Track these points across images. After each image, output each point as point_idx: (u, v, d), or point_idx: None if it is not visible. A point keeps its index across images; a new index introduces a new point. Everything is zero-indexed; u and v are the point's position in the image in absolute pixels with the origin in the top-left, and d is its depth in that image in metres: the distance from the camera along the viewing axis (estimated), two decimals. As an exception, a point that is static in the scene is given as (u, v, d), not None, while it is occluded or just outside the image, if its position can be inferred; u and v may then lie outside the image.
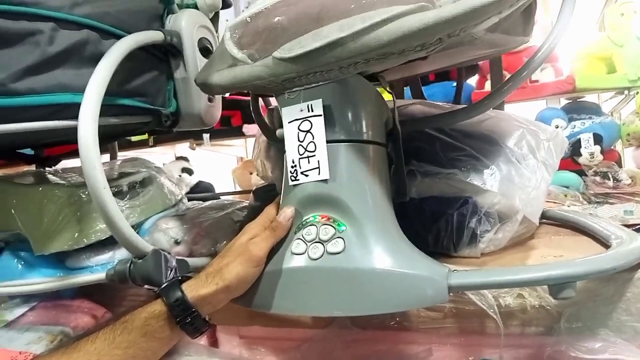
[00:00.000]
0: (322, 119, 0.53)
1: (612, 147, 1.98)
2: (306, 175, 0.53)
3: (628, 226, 1.47)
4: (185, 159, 2.43)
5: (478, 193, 0.58)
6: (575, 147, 1.90)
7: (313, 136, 0.53)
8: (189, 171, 2.36)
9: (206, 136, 2.16)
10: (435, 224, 0.61)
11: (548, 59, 2.04)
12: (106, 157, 1.06)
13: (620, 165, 1.98)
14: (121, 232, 0.53)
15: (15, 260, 0.71)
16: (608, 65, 1.94)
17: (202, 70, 0.62)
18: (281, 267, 0.52)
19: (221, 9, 0.90)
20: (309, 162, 0.53)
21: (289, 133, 0.55)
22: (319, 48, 0.47)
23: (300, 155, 0.54)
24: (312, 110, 0.53)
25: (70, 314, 0.69)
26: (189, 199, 0.96)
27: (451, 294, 0.49)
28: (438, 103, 0.68)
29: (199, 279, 0.51)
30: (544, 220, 0.79)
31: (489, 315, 0.54)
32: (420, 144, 0.62)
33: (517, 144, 0.59)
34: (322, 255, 0.50)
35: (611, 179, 1.72)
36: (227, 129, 2.20)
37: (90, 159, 0.50)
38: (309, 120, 0.53)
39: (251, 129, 2.12)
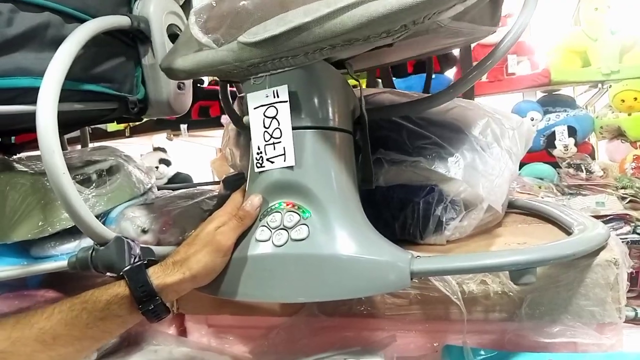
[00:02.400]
0: (287, 105, 0.52)
1: (586, 140, 2.01)
2: (272, 162, 0.53)
3: (599, 217, 1.51)
4: (162, 150, 2.40)
5: (443, 181, 0.58)
6: (549, 140, 1.93)
7: (278, 122, 0.53)
8: (167, 162, 2.33)
9: (184, 127, 2.14)
10: (402, 211, 0.62)
11: (524, 51, 2.06)
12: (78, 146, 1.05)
13: (593, 158, 2.02)
14: (82, 219, 0.52)
15: (-23, 249, 0.69)
16: (583, 59, 1.96)
17: (167, 55, 0.61)
18: (246, 254, 0.52)
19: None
20: (274, 149, 0.53)
21: (255, 119, 0.54)
22: (283, 33, 0.47)
23: (266, 141, 0.53)
24: (278, 96, 0.53)
25: (34, 303, 0.67)
26: (164, 189, 0.96)
27: (414, 279, 0.50)
28: (406, 92, 0.68)
29: (165, 265, 0.50)
30: (513, 210, 0.80)
31: (453, 302, 0.55)
32: (388, 132, 0.63)
33: (482, 133, 0.60)
34: (286, 242, 0.50)
35: (584, 171, 1.75)
36: (205, 120, 2.18)
37: (49, 144, 0.49)
38: (274, 107, 0.53)
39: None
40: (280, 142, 0.53)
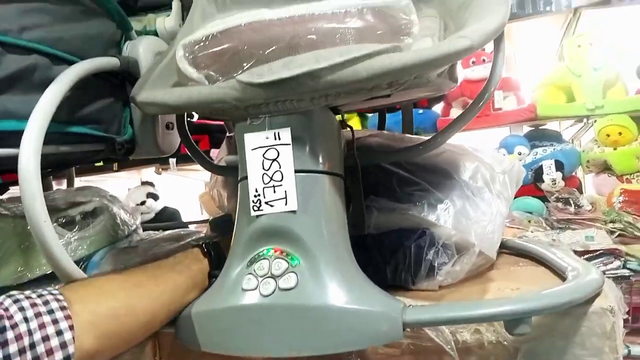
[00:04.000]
0: (290, 148, 0.52)
1: (573, 174, 2.03)
2: (271, 206, 0.52)
3: (589, 252, 1.51)
4: (150, 184, 2.38)
5: (435, 226, 0.58)
6: (537, 174, 1.94)
7: (280, 165, 0.52)
8: (155, 196, 2.31)
9: (172, 161, 2.12)
10: (393, 256, 0.61)
11: (510, 87, 2.10)
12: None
13: (581, 192, 2.03)
14: (63, 269, 0.50)
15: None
16: (567, 94, 2.00)
17: (139, 87, 0.58)
18: (231, 304, 0.50)
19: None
20: (274, 192, 0.52)
21: (252, 161, 0.53)
22: (294, 77, 0.46)
23: (265, 184, 0.52)
24: (280, 139, 0.52)
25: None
26: (150, 229, 0.94)
27: (406, 330, 0.48)
28: (396, 134, 0.68)
29: None
30: (504, 250, 0.79)
31: (447, 352, 0.53)
32: (378, 177, 0.62)
33: (472, 178, 0.59)
34: (273, 292, 0.48)
35: (572, 205, 1.76)
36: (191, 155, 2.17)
37: (31, 191, 0.47)
38: (275, 149, 0.52)
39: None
40: (281, 185, 0.51)
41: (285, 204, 0.51)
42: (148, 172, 2.48)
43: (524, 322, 0.46)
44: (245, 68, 0.50)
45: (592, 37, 1.94)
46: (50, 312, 0.41)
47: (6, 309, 0.39)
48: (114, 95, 0.69)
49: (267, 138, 0.52)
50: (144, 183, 2.41)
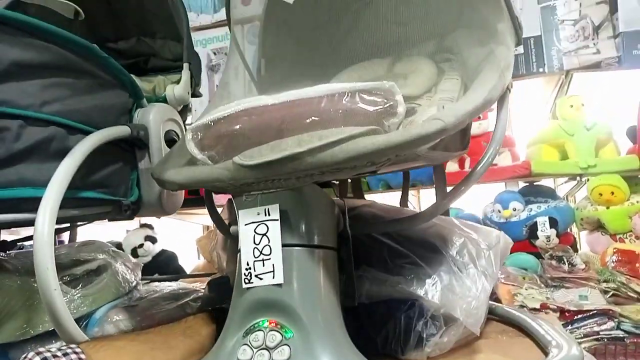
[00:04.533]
0: (278, 223, 0.55)
1: (568, 231, 2.05)
2: (260, 279, 0.55)
3: (583, 311, 1.51)
4: (149, 226, 2.40)
5: (423, 298, 0.60)
6: (532, 230, 1.96)
7: (269, 240, 0.55)
8: (153, 239, 2.32)
9: (172, 205, 2.15)
10: (384, 326, 0.63)
11: (505, 143, 2.15)
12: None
13: (575, 249, 2.04)
14: (68, 333, 0.53)
15: (-45, 351, 0.68)
16: (561, 152, 2.04)
17: (159, 165, 0.64)
18: (227, 375, 0.52)
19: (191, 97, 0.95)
20: (263, 265, 0.55)
21: (245, 235, 0.57)
22: (278, 159, 0.50)
23: (255, 258, 0.56)
24: (269, 215, 0.56)
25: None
26: (148, 280, 0.96)
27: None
28: (388, 206, 0.72)
29: None
30: (494, 317, 0.81)
31: None
32: (370, 247, 0.65)
33: (459, 253, 0.63)
34: (267, 364, 0.51)
35: (566, 264, 1.78)
36: (194, 198, 2.20)
37: (44, 261, 0.51)
38: (265, 224, 0.56)
39: (218, 198, 2.12)
40: (269, 259, 0.55)
41: (273, 277, 0.54)
42: (147, 215, 2.50)
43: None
44: (241, 150, 0.54)
45: (583, 98, 2.01)
46: None
47: None
48: (123, 160, 0.73)
49: (258, 214, 0.56)
50: (142, 225, 2.43)
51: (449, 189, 0.65)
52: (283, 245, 0.55)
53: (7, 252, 0.81)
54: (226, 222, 0.80)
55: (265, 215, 0.56)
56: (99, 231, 2.11)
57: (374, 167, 0.54)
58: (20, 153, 0.59)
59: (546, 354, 0.60)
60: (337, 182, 1.06)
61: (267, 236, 0.55)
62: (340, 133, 0.49)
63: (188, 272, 2.29)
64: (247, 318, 0.55)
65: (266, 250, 0.55)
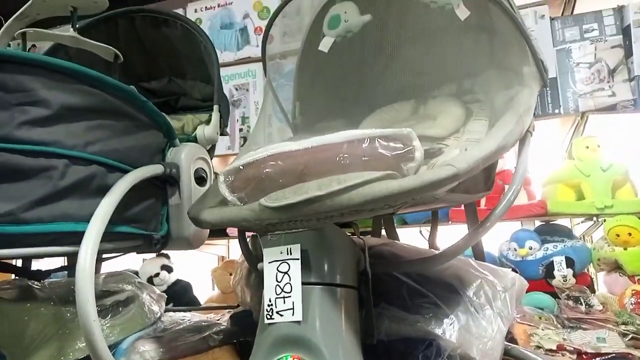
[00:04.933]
0: (298, 262, 0.58)
1: (585, 270, 2.03)
2: (281, 315, 0.58)
3: (601, 354, 1.49)
4: (166, 255, 2.43)
5: (441, 338, 0.62)
6: (548, 269, 1.95)
7: (290, 278, 0.58)
8: (169, 269, 2.35)
9: (190, 235, 2.18)
10: (401, 364, 0.65)
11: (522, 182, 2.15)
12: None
13: (593, 289, 2.02)
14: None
15: (-10, 376, 0.72)
16: (577, 192, 2.05)
17: (195, 205, 0.69)
18: (252, 408, 0.54)
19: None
20: (284, 302, 0.58)
21: (268, 272, 0.60)
22: (300, 202, 0.54)
23: (277, 295, 0.58)
24: (291, 254, 0.59)
25: None
26: (168, 310, 0.98)
27: None
28: (406, 245, 0.74)
29: None
30: (509, 358, 0.82)
31: None
32: (389, 285, 0.68)
33: (475, 294, 0.65)
34: (291, 399, 0.53)
35: (583, 304, 1.76)
36: (210, 230, 2.24)
37: (85, 293, 0.54)
38: (287, 263, 0.59)
39: (234, 230, 2.15)
40: (290, 296, 0.58)
41: (292, 315, 0.56)
42: (165, 245, 2.53)
43: None
44: (267, 193, 0.58)
45: (599, 139, 2.03)
46: None
47: None
48: (155, 196, 0.78)
49: (281, 253, 0.59)
50: (159, 255, 2.46)
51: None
52: (304, 284, 0.58)
53: (41, 281, 0.85)
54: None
55: (288, 254, 0.59)
56: (117, 260, 2.14)
57: (392, 210, 0.57)
58: (64, 190, 0.63)
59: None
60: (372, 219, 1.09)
61: (288, 274, 0.58)
62: (358, 178, 0.52)
63: (202, 302, 2.31)
64: (272, 353, 0.57)
65: (287, 288, 0.58)
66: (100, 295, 0.78)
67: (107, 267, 1.13)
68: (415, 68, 0.87)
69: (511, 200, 0.68)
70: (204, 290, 2.51)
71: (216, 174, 0.81)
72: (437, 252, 0.67)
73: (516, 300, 0.70)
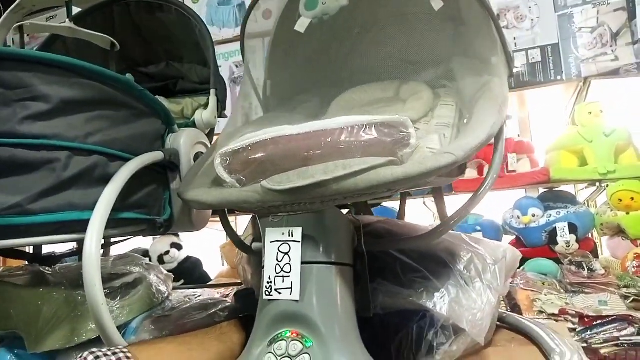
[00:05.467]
0: (299, 245, 0.61)
1: (588, 236, 2.05)
2: (279, 293, 0.61)
3: (602, 317, 1.53)
4: (175, 234, 2.49)
5: (433, 310, 0.65)
6: (551, 236, 1.97)
7: (290, 259, 0.61)
8: (178, 246, 2.41)
9: (197, 214, 2.23)
10: (397, 335, 0.68)
11: (524, 150, 2.15)
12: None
13: (596, 254, 2.04)
14: (112, 340, 0.59)
15: (9, 357, 0.76)
16: (580, 158, 2.05)
17: (186, 186, 0.69)
18: (254, 380, 0.58)
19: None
20: (283, 281, 0.61)
21: (269, 252, 0.62)
22: (306, 185, 0.56)
23: (277, 273, 0.61)
24: (292, 236, 0.62)
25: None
26: (177, 288, 1.02)
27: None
28: (401, 222, 0.77)
29: None
30: (505, 326, 0.86)
31: None
32: (384, 261, 0.71)
33: (466, 267, 0.67)
34: (290, 371, 0.56)
35: (586, 269, 1.79)
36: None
37: (92, 278, 0.57)
38: (288, 244, 0.62)
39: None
40: (289, 276, 0.60)
41: (290, 293, 0.59)
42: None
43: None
44: (268, 175, 0.60)
45: (602, 105, 2.02)
46: None
47: None
48: (157, 182, 0.80)
49: (283, 234, 0.62)
50: (168, 233, 2.52)
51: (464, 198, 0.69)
52: (303, 263, 0.60)
53: (53, 266, 0.89)
54: (248, 237, 0.87)
55: (289, 236, 0.62)
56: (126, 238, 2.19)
57: (390, 193, 0.59)
58: (68, 180, 0.66)
59: (549, 361, 0.64)
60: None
61: (289, 255, 0.61)
62: (363, 163, 0.54)
63: (212, 277, 2.36)
64: (272, 328, 0.60)
65: (287, 268, 0.61)
66: (108, 278, 0.82)
67: (119, 246, 1.17)
68: (385, 51, 0.89)
69: (490, 185, 0.69)
70: (214, 266, 2.56)
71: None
72: (428, 229, 0.69)
73: (510, 271, 0.73)
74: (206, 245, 2.85)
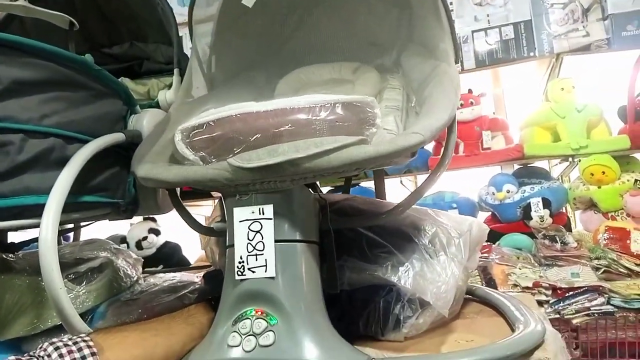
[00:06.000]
0: (272, 222, 0.60)
1: (562, 210, 2.09)
2: (253, 272, 0.60)
3: (574, 288, 1.56)
4: (152, 219, 2.46)
5: (397, 284, 0.66)
6: (526, 211, 2.01)
7: (262, 236, 0.60)
8: (156, 232, 2.39)
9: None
10: (364, 310, 0.69)
11: (498, 127, 2.17)
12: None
13: (570, 228, 2.08)
14: (74, 328, 0.58)
15: (-26, 346, 0.74)
16: (553, 134, 2.08)
17: (138, 162, 0.68)
18: (219, 358, 0.58)
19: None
20: (256, 260, 0.60)
21: (239, 231, 0.61)
22: (277, 163, 0.55)
23: (249, 252, 0.60)
24: (264, 214, 0.61)
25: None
26: (150, 272, 1.01)
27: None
28: (367, 199, 0.77)
29: None
30: (474, 298, 0.87)
31: (408, 398, 0.60)
32: (350, 238, 0.71)
33: (430, 241, 0.68)
34: (254, 348, 0.56)
35: (559, 243, 1.82)
36: (195, 190, 2.26)
37: (49, 262, 0.56)
38: (259, 222, 0.61)
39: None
40: (262, 254, 0.60)
41: (265, 271, 0.59)
42: (151, 209, 2.55)
43: (468, 374, 0.54)
44: (235, 153, 0.59)
45: (574, 81, 2.04)
46: (83, 358, 0.49)
47: (48, 355, 0.48)
48: (119, 164, 0.78)
49: (252, 212, 0.61)
50: (145, 219, 2.49)
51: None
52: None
53: (15, 253, 0.87)
54: (216, 218, 0.86)
55: (260, 214, 0.61)
56: (104, 226, 2.17)
57: (359, 172, 0.59)
58: (23, 164, 0.64)
59: (514, 330, 0.65)
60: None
61: (260, 233, 0.60)
62: (335, 142, 0.54)
63: (192, 261, 2.36)
64: (236, 308, 0.60)
65: (259, 246, 0.60)
66: (74, 263, 0.80)
67: (97, 233, 1.15)
68: (330, 32, 0.89)
69: (447, 162, 0.70)
70: (194, 250, 2.55)
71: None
72: (392, 205, 0.70)
73: (476, 244, 0.74)
74: (185, 229, 2.82)
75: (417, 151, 0.63)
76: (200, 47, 0.91)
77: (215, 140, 0.61)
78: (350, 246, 0.70)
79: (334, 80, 0.84)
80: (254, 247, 0.60)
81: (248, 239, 0.60)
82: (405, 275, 0.63)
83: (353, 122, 0.58)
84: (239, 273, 0.60)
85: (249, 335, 0.57)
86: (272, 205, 0.60)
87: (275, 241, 0.60)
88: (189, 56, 1.04)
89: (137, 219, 2.52)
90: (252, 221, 0.61)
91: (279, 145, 0.56)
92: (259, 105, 0.61)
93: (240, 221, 0.61)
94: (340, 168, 0.54)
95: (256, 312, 0.59)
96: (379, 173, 0.97)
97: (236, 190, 0.63)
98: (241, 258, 0.61)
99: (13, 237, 1.02)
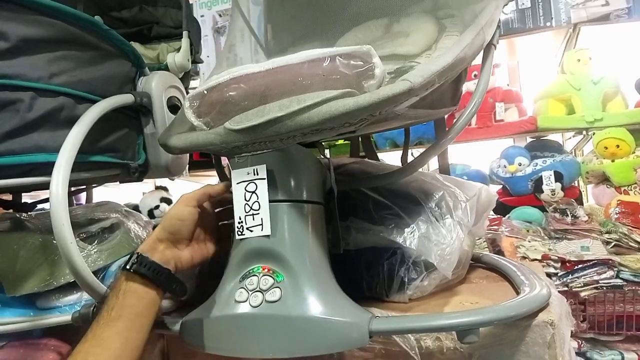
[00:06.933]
0: (265, 182, 0.60)
1: (574, 184, 2.07)
2: (251, 231, 0.61)
3: (583, 261, 1.56)
4: (164, 188, 2.48)
5: (403, 245, 0.66)
6: (537, 184, 1.99)
7: (257, 197, 0.61)
8: (168, 201, 2.41)
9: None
10: (369, 272, 0.69)
11: (512, 99, 2.14)
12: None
13: (581, 202, 2.06)
14: (85, 281, 0.60)
15: (-11, 300, 0.77)
16: (568, 106, 2.04)
17: (165, 132, 0.70)
18: (227, 313, 0.59)
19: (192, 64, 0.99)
20: (253, 219, 0.61)
21: (237, 192, 0.62)
22: (261, 123, 0.55)
23: (246, 212, 0.61)
24: (257, 174, 0.61)
25: (37, 352, 0.74)
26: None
27: (373, 337, 0.57)
28: (375, 162, 0.76)
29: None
30: (481, 265, 0.87)
31: (412, 356, 0.61)
32: (357, 200, 0.71)
33: (437, 204, 0.67)
34: (261, 304, 0.57)
35: (569, 216, 1.81)
36: (206, 161, 2.28)
37: (60, 218, 0.57)
38: (254, 183, 0.61)
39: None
40: (258, 213, 0.60)
41: (262, 230, 0.59)
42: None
43: (473, 333, 0.54)
44: (231, 116, 0.59)
45: (591, 52, 1.99)
46: None
47: None
48: (129, 126, 0.79)
49: (248, 174, 0.61)
50: (157, 188, 2.51)
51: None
52: (271, 201, 0.60)
53: (29, 213, 0.89)
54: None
55: (254, 174, 0.61)
56: (116, 194, 2.20)
57: (353, 127, 0.58)
58: (33, 122, 0.65)
59: (518, 293, 0.66)
60: (350, 142, 1.10)
61: (256, 193, 0.61)
62: (317, 97, 0.53)
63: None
64: (243, 265, 0.61)
65: (255, 206, 0.61)
66: (86, 222, 0.82)
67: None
68: None
69: (472, 112, 0.69)
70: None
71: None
72: (399, 167, 0.69)
73: (484, 210, 0.73)
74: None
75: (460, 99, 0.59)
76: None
77: (215, 105, 0.61)
78: (357, 208, 0.70)
79: (389, 35, 0.79)
80: (251, 207, 0.61)
81: (245, 199, 0.61)
82: (410, 237, 0.63)
83: (349, 75, 0.55)
84: (239, 233, 0.61)
85: (255, 291, 0.58)
86: (264, 165, 0.60)
87: (274, 201, 0.61)
88: (198, 20, 1.04)
89: (149, 188, 2.55)
90: (247, 182, 0.61)
91: (266, 106, 0.56)
92: (255, 67, 0.60)
93: (237, 183, 0.62)
94: (321, 124, 0.52)
95: (263, 269, 0.60)
96: (366, 141, 0.95)
97: (234, 153, 0.63)
98: (240, 218, 0.61)
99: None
